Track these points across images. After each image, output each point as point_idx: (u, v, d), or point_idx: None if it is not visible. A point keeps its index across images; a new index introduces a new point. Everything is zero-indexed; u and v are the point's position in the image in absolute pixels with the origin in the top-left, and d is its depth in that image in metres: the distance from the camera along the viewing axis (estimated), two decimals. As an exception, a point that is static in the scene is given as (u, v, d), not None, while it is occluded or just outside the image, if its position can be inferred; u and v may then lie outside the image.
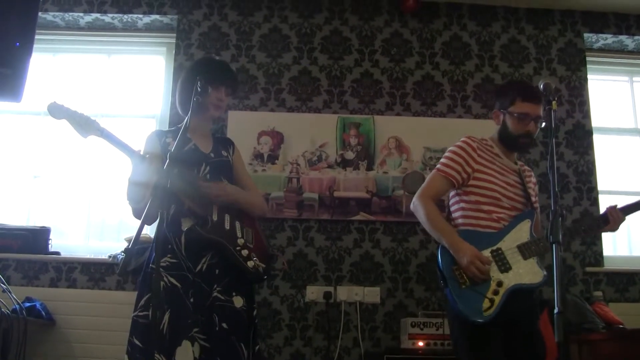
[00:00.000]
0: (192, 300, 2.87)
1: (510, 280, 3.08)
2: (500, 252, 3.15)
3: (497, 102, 3.45)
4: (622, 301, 5.29)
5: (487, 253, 3.14)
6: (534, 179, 3.55)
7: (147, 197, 2.87)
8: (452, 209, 3.44)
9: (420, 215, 3.33)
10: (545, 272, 3.12)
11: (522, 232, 3.21)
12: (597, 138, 5.70)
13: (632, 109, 6.10)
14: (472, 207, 3.30)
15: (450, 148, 3.40)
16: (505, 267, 3.11)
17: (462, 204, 3.35)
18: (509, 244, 3.18)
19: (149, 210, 2.50)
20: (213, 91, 3.16)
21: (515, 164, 3.43)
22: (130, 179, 2.90)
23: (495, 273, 3.10)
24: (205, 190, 3.01)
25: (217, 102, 3.21)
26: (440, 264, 3.17)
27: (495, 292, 3.04)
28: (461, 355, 3.17)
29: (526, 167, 3.56)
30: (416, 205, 3.36)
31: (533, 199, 3.40)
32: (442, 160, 3.40)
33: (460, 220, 3.34)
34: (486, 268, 3.06)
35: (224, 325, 2.87)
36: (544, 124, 3.22)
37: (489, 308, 3.00)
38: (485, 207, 3.26)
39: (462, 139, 3.40)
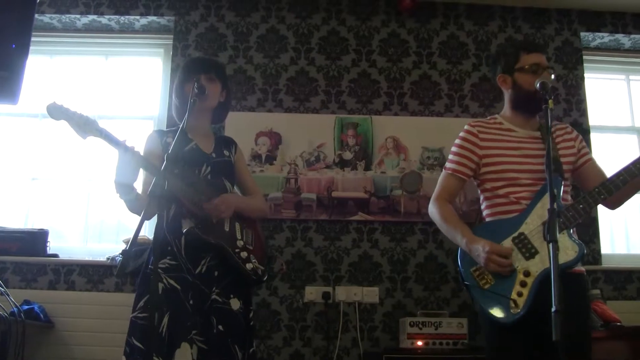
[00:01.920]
0: (191, 302, 2.87)
1: (538, 266, 2.82)
2: (523, 237, 2.90)
3: (498, 67, 3.24)
4: (620, 299, 5.29)
5: (508, 242, 2.91)
6: (571, 135, 3.22)
7: (139, 191, 2.90)
8: (480, 204, 3.25)
9: (436, 219, 3.16)
10: (580, 245, 2.82)
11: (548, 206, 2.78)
12: (594, 136, 5.70)
13: (628, 108, 6.11)
14: (491, 195, 3.11)
15: (455, 142, 3.23)
16: (530, 252, 2.86)
17: (483, 194, 3.18)
18: (532, 224, 2.91)
19: (148, 208, 2.50)
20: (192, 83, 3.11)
21: (539, 130, 3.12)
22: (117, 169, 2.87)
23: (520, 262, 2.85)
24: (209, 211, 3.00)
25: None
26: (461, 268, 2.99)
27: (523, 284, 2.80)
28: (489, 356, 3.00)
29: (559, 126, 3.25)
30: (431, 210, 3.20)
31: (568, 159, 3.10)
32: (449, 156, 3.23)
33: (485, 213, 3.17)
34: (506, 262, 2.82)
35: (221, 327, 2.87)
36: (553, 75, 3.07)
37: (517, 305, 2.76)
38: (502, 191, 3.05)
39: (464, 128, 3.22)
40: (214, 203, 3.02)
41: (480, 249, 2.87)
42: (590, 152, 3.22)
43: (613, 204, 3.17)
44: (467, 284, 2.93)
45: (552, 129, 3.09)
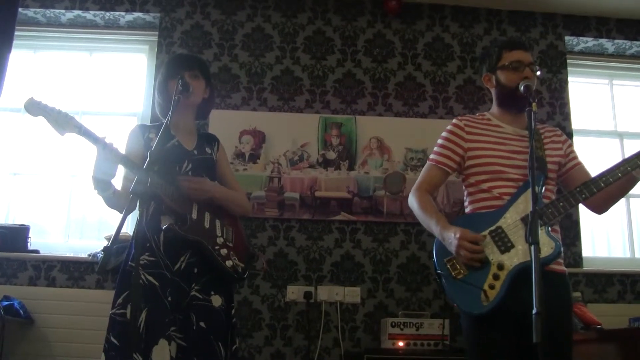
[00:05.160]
0: (169, 299, 2.85)
1: (512, 260, 2.76)
2: (500, 230, 2.85)
3: (483, 67, 3.22)
4: (600, 302, 5.33)
5: (485, 235, 2.85)
6: (560, 138, 3.19)
7: (118, 187, 2.89)
8: (464, 200, 3.22)
9: (414, 208, 3.13)
10: (557, 242, 2.76)
11: (528, 203, 2.70)
12: (576, 140, 5.74)
13: (611, 112, 6.16)
14: (475, 190, 3.06)
15: (441, 134, 3.21)
16: (506, 246, 2.81)
17: (467, 189, 3.14)
18: (510, 219, 2.86)
19: (131, 204, 2.49)
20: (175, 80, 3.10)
21: (527, 128, 2.96)
22: (95, 170, 2.83)
23: (494, 255, 2.79)
24: (183, 184, 2.99)
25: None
26: (435, 257, 2.94)
27: (496, 277, 2.74)
28: (469, 352, 2.94)
29: (548, 128, 3.23)
30: (410, 199, 3.16)
31: (554, 159, 3.06)
32: (434, 148, 3.20)
33: (467, 208, 3.12)
34: (477, 248, 2.78)
35: (202, 324, 2.85)
36: (539, 72, 3.06)
37: (488, 297, 2.71)
38: (485, 185, 3.00)
39: (451, 122, 3.20)
40: (191, 178, 3.02)
41: (452, 235, 2.84)
42: (578, 157, 3.18)
43: (599, 208, 3.15)
44: (439, 273, 2.90)
45: (542, 131, 3.15)
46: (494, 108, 3.24)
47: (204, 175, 3.18)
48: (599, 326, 4.68)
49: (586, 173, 3.11)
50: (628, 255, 5.82)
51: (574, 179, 3.09)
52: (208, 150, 3.29)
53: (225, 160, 3.46)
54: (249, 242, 3.30)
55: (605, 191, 2.89)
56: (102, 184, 2.87)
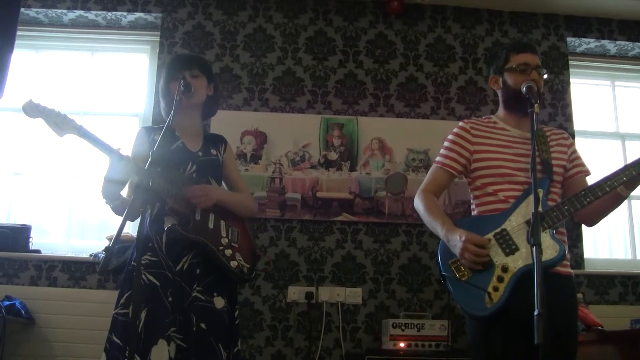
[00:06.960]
0: (170, 299, 2.85)
1: (517, 262, 2.76)
2: (504, 233, 2.85)
3: (491, 68, 3.23)
4: (602, 303, 5.33)
5: (489, 237, 2.85)
6: (566, 142, 3.18)
7: (125, 195, 2.88)
8: (470, 203, 3.22)
9: (420, 210, 3.13)
10: (562, 245, 2.75)
11: (532, 206, 2.61)
12: (579, 141, 5.73)
13: (613, 113, 6.15)
14: (480, 192, 3.07)
15: (447, 137, 3.21)
16: (510, 248, 2.81)
17: (473, 192, 3.14)
18: (515, 221, 2.86)
19: (131, 207, 2.49)
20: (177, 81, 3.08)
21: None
22: (106, 177, 2.86)
23: (499, 257, 2.79)
24: (188, 193, 2.99)
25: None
26: (439, 259, 2.94)
27: (500, 279, 2.74)
28: (474, 354, 2.94)
29: (555, 131, 3.23)
30: (416, 201, 3.17)
31: (559, 162, 3.06)
32: (440, 151, 3.21)
33: (474, 211, 3.13)
34: (482, 251, 2.78)
35: (203, 325, 2.84)
36: (546, 75, 3.10)
37: (492, 299, 2.71)
38: (491, 188, 3.01)
39: (458, 124, 3.21)
40: (195, 187, 3.02)
41: (457, 238, 2.84)
42: (585, 165, 3.17)
43: (591, 220, 3.18)
44: (444, 274, 2.90)
45: (548, 133, 3.15)
46: (500, 111, 3.24)
47: (209, 177, 3.18)
48: (600, 328, 4.67)
49: (585, 185, 3.06)
50: (629, 256, 5.82)
51: (575, 187, 3.07)
52: (213, 151, 3.28)
53: (232, 161, 3.47)
54: (254, 243, 3.29)
55: (596, 204, 2.88)
56: (113, 193, 2.87)
